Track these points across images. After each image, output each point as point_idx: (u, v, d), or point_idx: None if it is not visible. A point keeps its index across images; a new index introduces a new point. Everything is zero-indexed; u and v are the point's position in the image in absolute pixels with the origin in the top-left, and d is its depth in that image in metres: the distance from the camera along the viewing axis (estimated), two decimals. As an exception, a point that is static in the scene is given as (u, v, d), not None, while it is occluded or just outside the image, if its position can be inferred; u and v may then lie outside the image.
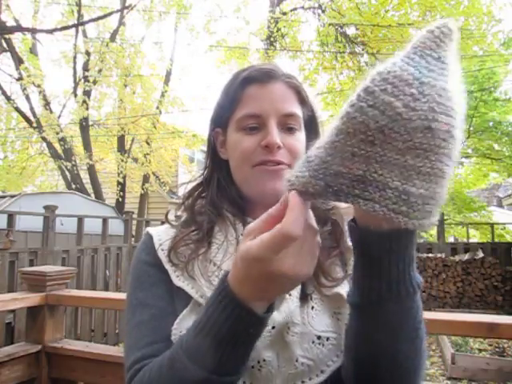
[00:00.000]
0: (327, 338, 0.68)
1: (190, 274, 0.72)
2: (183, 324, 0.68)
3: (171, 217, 0.85)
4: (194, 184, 0.86)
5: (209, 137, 0.85)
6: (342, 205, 0.82)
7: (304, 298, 0.71)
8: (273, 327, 0.65)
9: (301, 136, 0.79)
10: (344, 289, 0.71)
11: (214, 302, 0.56)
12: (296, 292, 0.69)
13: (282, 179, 0.70)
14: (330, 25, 9.53)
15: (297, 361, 0.66)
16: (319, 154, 0.49)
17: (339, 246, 0.76)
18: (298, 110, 0.78)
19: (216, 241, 0.75)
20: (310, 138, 0.80)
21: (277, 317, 0.65)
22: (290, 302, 0.68)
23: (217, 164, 0.83)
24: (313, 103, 0.83)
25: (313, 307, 0.71)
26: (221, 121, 0.81)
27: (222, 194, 0.80)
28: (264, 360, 0.65)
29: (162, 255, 0.75)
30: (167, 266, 0.74)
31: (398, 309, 0.55)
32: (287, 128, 0.76)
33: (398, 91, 0.43)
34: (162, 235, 0.79)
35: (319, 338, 0.68)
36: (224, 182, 0.81)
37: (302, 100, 0.79)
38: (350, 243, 0.75)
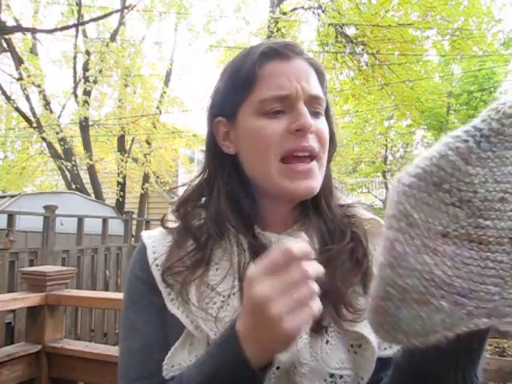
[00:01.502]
0: (340, 376, 0.62)
1: (185, 300, 0.64)
2: (175, 359, 0.63)
3: (170, 217, 0.75)
4: (191, 188, 0.74)
5: (209, 130, 0.72)
6: (366, 214, 0.74)
7: (319, 330, 0.62)
8: (277, 367, 0.60)
9: (325, 121, 0.69)
10: (367, 327, 0.61)
11: (216, 344, 0.54)
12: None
13: (314, 178, 0.65)
14: (329, 25, 9.52)
15: None
16: None
17: (361, 268, 0.66)
18: (321, 93, 0.68)
19: (216, 260, 0.67)
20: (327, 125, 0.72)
21: (282, 356, 0.58)
22: (298, 339, 0.59)
23: (219, 162, 0.71)
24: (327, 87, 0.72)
25: (328, 341, 0.63)
26: (226, 107, 0.69)
27: (229, 199, 0.68)
28: None
29: (157, 274, 0.67)
30: (161, 288, 0.66)
31: None
32: (313, 112, 0.66)
33: None
34: (156, 246, 0.70)
35: (332, 375, 0.62)
36: (229, 184, 0.69)
37: (322, 81, 0.70)
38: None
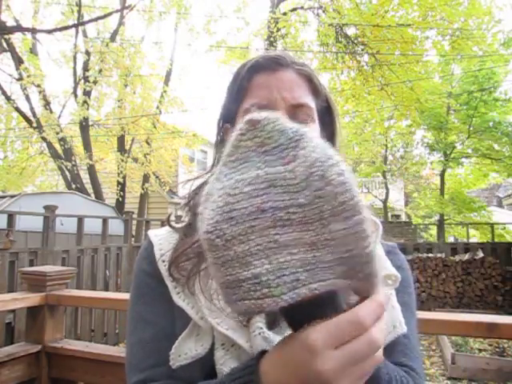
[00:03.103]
0: None
1: (191, 291, 0.67)
2: (181, 348, 0.65)
3: (173, 218, 0.78)
4: (200, 181, 0.78)
5: (218, 132, 0.80)
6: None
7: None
8: None
9: (313, 128, 0.72)
10: None
11: (235, 379, 0.51)
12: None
13: None
14: (329, 25, 9.53)
15: None
16: None
17: None
18: (309, 101, 0.71)
19: None
20: (324, 132, 0.74)
21: (278, 339, 0.60)
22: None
23: None
24: (327, 93, 0.76)
25: None
26: (228, 115, 0.76)
27: None
28: None
29: (163, 268, 0.71)
30: (167, 282, 0.70)
31: None
32: (297, 121, 0.68)
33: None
34: (163, 243, 0.74)
35: None
36: None
37: (315, 89, 0.73)
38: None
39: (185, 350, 0.65)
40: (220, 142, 0.79)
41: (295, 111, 0.70)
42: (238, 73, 0.74)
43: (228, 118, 0.77)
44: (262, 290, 0.41)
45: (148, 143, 10.29)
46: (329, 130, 0.76)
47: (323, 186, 0.41)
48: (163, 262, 0.71)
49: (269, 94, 0.69)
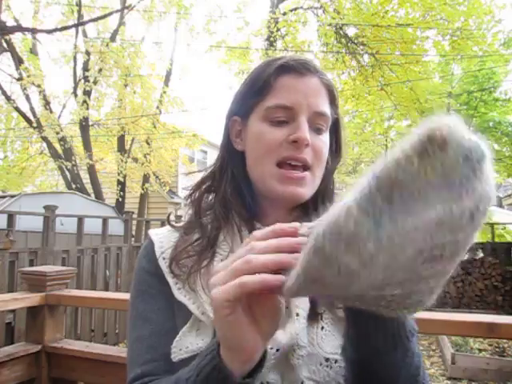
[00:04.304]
0: (335, 361, 0.66)
1: (192, 288, 0.69)
2: (183, 342, 0.67)
3: (173, 217, 0.81)
4: (206, 173, 0.80)
5: (225, 125, 0.80)
6: None
7: (314, 317, 0.68)
8: (277, 350, 0.63)
9: (326, 138, 0.74)
10: None
11: (201, 355, 0.54)
12: (304, 312, 0.66)
13: (304, 186, 0.70)
14: (329, 25, 9.53)
15: (302, 383, 0.64)
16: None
17: None
18: (328, 110, 0.73)
19: (220, 251, 0.71)
20: (330, 142, 0.76)
21: (282, 338, 0.62)
22: (297, 323, 0.65)
23: (231, 155, 0.77)
24: (339, 106, 0.79)
25: (323, 327, 0.68)
26: (242, 108, 0.76)
27: (235, 189, 0.75)
28: (268, 382, 0.63)
29: (164, 265, 0.72)
30: (168, 278, 0.71)
31: (394, 359, 0.53)
32: (315, 128, 0.72)
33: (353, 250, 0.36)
34: (163, 241, 0.76)
35: (327, 360, 0.66)
36: (238, 175, 0.75)
37: (332, 100, 0.75)
38: None
39: (186, 344, 0.66)
40: (226, 133, 0.79)
41: (315, 118, 0.71)
42: (264, 69, 0.73)
43: (240, 111, 0.76)
44: (381, 302, 0.41)
45: (148, 143, 10.29)
46: (334, 141, 0.79)
47: (481, 223, 0.38)
48: (164, 259, 0.73)
49: (295, 98, 0.70)
